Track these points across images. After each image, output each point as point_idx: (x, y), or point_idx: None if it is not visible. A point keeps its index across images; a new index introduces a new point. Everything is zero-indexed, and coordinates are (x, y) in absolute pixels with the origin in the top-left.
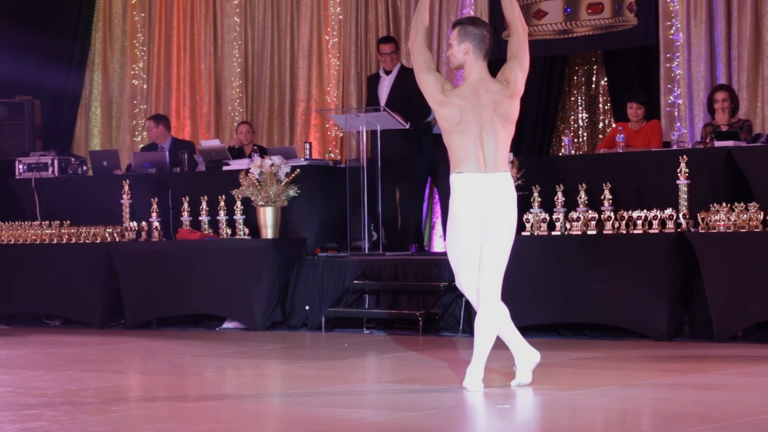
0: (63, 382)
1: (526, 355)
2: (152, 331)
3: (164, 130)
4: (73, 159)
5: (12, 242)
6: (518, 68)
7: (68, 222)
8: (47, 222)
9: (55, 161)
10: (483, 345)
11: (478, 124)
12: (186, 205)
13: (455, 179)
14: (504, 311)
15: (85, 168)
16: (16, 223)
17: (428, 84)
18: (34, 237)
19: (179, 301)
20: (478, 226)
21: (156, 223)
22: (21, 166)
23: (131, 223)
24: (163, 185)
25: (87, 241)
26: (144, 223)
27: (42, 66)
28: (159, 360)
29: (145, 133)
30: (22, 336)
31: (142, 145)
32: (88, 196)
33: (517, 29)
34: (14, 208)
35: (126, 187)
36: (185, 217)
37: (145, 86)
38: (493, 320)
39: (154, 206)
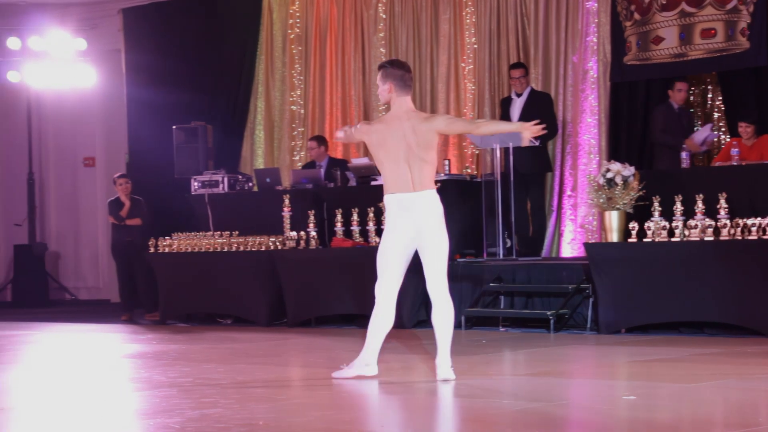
0: (234, 374)
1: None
2: (311, 329)
3: (324, 150)
4: (240, 176)
5: (189, 250)
6: (447, 119)
7: (237, 232)
8: (218, 232)
9: (225, 179)
10: (447, 336)
11: (401, 148)
12: (339, 216)
13: (386, 199)
14: (389, 318)
15: (250, 184)
16: (192, 233)
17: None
18: (207, 246)
19: (335, 302)
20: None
21: (313, 233)
22: (196, 184)
23: (291, 233)
24: (319, 199)
25: (253, 249)
26: (302, 233)
27: (214, 95)
28: (318, 354)
29: (303, 152)
30: (199, 333)
31: (300, 164)
32: (253, 209)
33: (479, 129)
34: (190, 220)
35: (287, 201)
36: (338, 227)
37: (302, 111)
38: (451, 314)
39: (311, 218)
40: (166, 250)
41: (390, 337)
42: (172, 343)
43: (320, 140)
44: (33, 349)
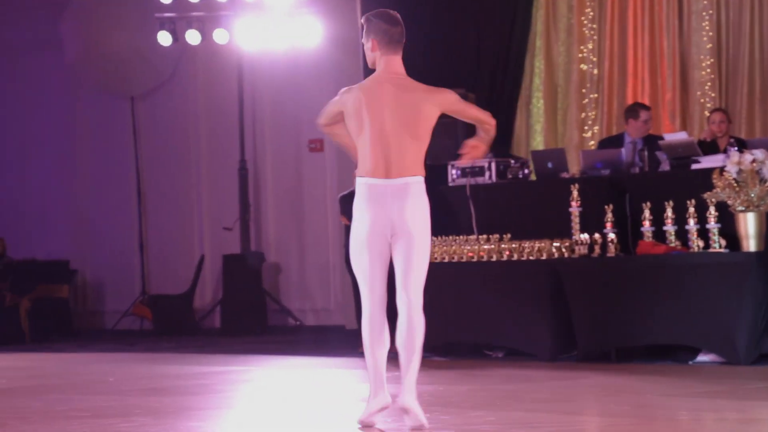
0: (509, 425)
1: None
2: (610, 365)
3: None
4: (512, 161)
5: (446, 260)
6: (458, 97)
7: (508, 235)
8: (484, 236)
9: (492, 164)
10: (418, 360)
11: (382, 121)
12: (647, 212)
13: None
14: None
15: (526, 171)
16: (450, 237)
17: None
18: (470, 254)
19: (642, 329)
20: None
21: (611, 235)
22: (454, 172)
23: (582, 235)
24: (620, 189)
25: (531, 258)
26: (597, 235)
27: (476, 53)
28: (620, 399)
29: (596, 127)
30: (461, 370)
31: (592, 142)
32: (530, 204)
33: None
34: (446, 219)
35: (575, 193)
36: (646, 227)
37: (595, 71)
38: (422, 333)
39: (609, 215)
40: None
41: (724, 374)
42: (426, 383)
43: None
44: (249, 390)
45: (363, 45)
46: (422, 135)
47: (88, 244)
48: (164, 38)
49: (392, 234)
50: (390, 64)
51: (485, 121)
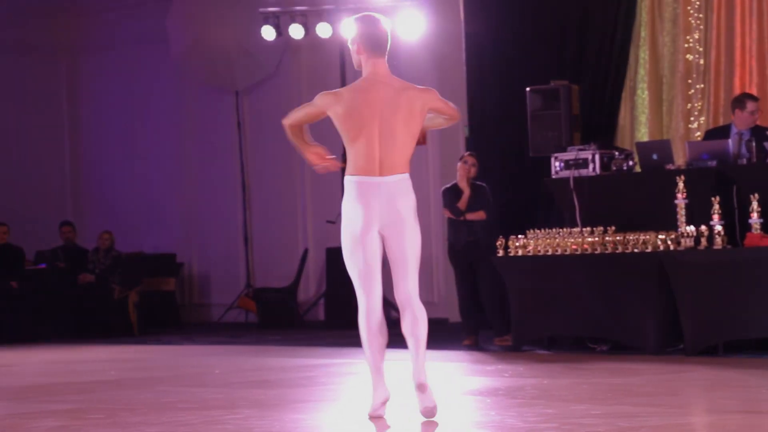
0: (613, 418)
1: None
2: (718, 359)
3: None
4: (617, 153)
5: (549, 253)
6: (438, 96)
7: (613, 228)
8: (588, 228)
9: (596, 156)
10: (424, 347)
11: (375, 122)
12: (755, 204)
13: (348, 182)
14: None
15: (631, 163)
16: (553, 230)
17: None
18: (573, 246)
19: (750, 322)
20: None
21: (718, 227)
22: (557, 164)
23: (688, 227)
24: (727, 181)
25: (636, 251)
26: (703, 227)
27: (579, 44)
28: (727, 394)
29: (702, 118)
30: (565, 363)
31: (698, 133)
32: (635, 196)
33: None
34: (550, 212)
35: (681, 185)
36: (754, 218)
37: (701, 61)
38: (426, 321)
39: (716, 206)
40: (519, 252)
41: None
42: (529, 377)
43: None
44: (352, 383)
45: (349, 47)
46: (414, 133)
47: (195, 237)
48: (268, 33)
49: (385, 230)
50: (377, 66)
51: (455, 116)
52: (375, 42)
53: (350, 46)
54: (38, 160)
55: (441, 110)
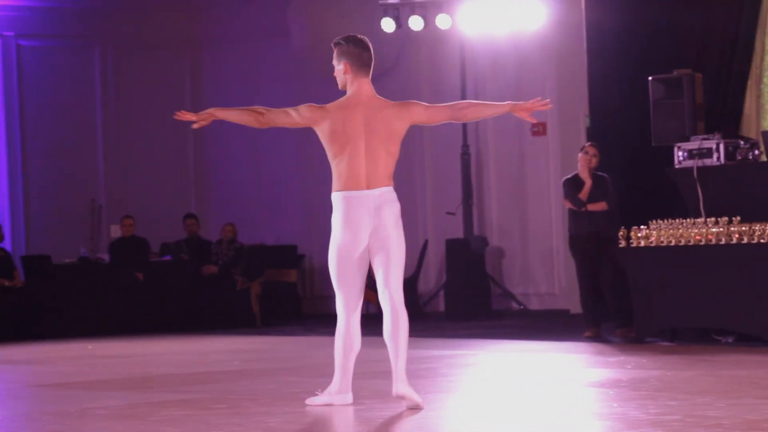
0: (739, 411)
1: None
2: None
3: None
4: (741, 142)
5: (672, 243)
6: (425, 106)
7: (738, 218)
8: (712, 219)
9: (721, 146)
10: (404, 351)
11: (362, 139)
12: None
13: (337, 197)
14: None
15: (756, 152)
16: (677, 220)
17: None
18: (697, 237)
19: None
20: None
21: None
22: (680, 154)
23: None
24: None
25: (762, 241)
26: None
27: (704, 30)
28: None
29: None
30: (689, 355)
31: None
32: (761, 185)
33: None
34: (673, 202)
35: None
36: None
37: None
38: (407, 326)
39: None
40: (642, 243)
41: None
42: (652, 369)
43: None
44: (473, 374)
45: (334, 67)
46: (394, 150)
47: (315, 229)
48: (388, 25)
49: (371, 240)
50: (362, 86)
51: (456, 117)
52: (362, 63)
53: (336, 66)
54: (163, 154)
55: (435, 118)
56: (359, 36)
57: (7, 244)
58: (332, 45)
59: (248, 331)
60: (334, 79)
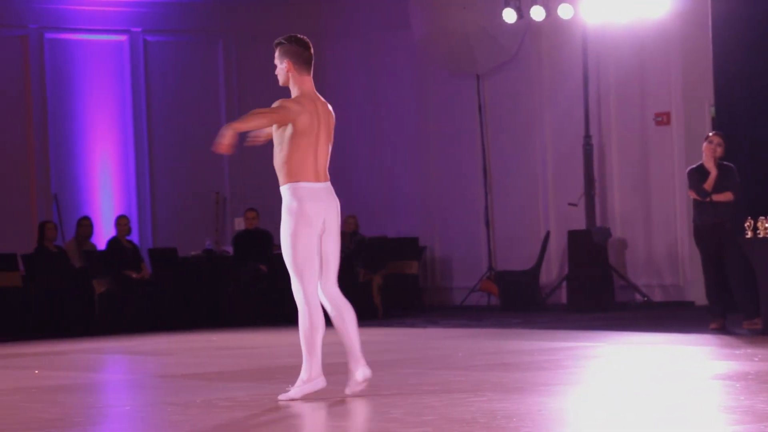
0: None
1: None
2: None
3: None
4: None
5: None
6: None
7: None
8: None
9: None
10: (357, 336)
11: (321, 133)
12: None
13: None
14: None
15: None
16: None
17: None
18: None
19: None
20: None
21: None
22: None
23: None
24: None
25: None
26: None
27: None
28: None
29: None
30: None
31: None
32: None
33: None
34: None
35: None
36: None
37: None
38: (353, 312)
39: None
40: None
41: None
42: (744, 360)
43: None
44: (595, 366)
45: (277, 66)
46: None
47: (436, 220)
48: (509, 15)
49: (323, 230)
50: (307, 83)
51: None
52: (305, 60)
53: (279, 65)
54: None
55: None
56: (300, 36)
57: (134, 237)
58: (273, 45)
59: (370, 322)
60: (453, 69)
